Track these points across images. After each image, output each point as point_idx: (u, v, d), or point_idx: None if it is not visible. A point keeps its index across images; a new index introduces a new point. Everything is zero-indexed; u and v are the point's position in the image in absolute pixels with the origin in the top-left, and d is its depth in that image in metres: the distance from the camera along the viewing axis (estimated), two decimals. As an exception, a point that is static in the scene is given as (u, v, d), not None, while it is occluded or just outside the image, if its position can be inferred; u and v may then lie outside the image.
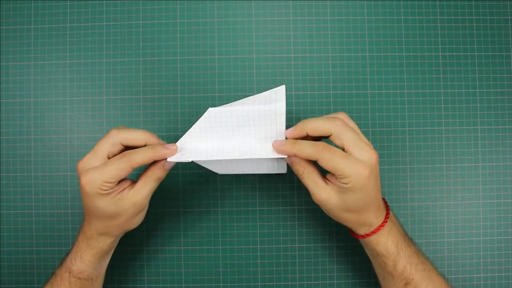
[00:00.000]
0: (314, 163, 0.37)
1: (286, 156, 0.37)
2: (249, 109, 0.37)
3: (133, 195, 0.37)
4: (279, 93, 0.38)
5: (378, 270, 0.41)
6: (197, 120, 0.38)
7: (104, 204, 0.36)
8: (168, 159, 0.37)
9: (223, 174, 0.42)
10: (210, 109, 0.37)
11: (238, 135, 0.38)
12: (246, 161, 0.39)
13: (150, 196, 0.38)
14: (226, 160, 0.38)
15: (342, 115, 0.38)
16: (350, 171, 0.34)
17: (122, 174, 0.35)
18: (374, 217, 0.37)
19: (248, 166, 0.40)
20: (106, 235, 0.38)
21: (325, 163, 0.35)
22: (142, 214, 0.39)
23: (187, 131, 0.39)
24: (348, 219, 0.38)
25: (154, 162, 0.38)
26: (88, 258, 0.38)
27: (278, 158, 0.38)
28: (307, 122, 0.36)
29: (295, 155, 0.36)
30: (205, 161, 0.38)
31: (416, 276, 0.38)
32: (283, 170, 0.40)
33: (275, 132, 0.38)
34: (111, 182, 0.35)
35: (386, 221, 0.38)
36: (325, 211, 0.39)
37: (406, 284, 0.38)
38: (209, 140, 0.38)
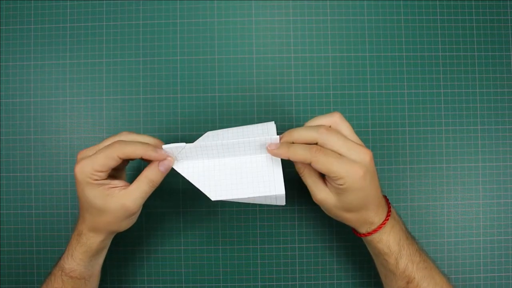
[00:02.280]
0: None
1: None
2: (243, 128, 0.39)
3: (123, 196, 0.36)
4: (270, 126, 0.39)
5: (380, 269, 0.41)
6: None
7: (93, 195, 0.36)
8: (163, 146, 0.37)
9: (216, 200, 0.39)
10: (208, 132, 0.39)
11: (233, 146, 0.38)
12: (242, 180, 0.38)
13: (141, 201, 0.37)
14: (220, 170, 0.38)
15: (336, 115, 0.38)
16: (344, 172, 0.34)
17: (110, 163, 0.35)
18: (375, 215, 0.37)
19: (244, 190, 0.37)
20: (95, 232, 0.38)
21: (319, 166, 0.34)
22: (132, 218, 0.39)
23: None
24: (348, 218, 0.38)
25: (150, 164, 0.37)
26: (78, 256, 0.38)
27: (275, 184, 0.37)
28: (292, 132, 0.37)
29: (289, 158, 0.36)
30: (198, 163, 0.38)
31: (418, 274, 0.38)
32: (281, 201, 0.37)
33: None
34: (100, 171, 0.35)
35: (388, 219, 0.38)
36: (325, 211, 0.39)
37: (408, 282, 0.38)
38: (204, 157, 0.38)
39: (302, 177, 0.38)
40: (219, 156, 0.38)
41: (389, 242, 0.38)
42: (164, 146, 0.37)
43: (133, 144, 0.36)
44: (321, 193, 0.37)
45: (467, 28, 0.50)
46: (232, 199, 0.37)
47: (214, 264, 0.49)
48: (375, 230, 0.38)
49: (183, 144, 0.37)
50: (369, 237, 0.38)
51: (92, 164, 0.35)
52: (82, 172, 0.35)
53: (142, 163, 0.49)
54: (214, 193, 0.37)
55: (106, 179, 0.36)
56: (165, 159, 0.37)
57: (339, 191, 0.36)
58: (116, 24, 0.50)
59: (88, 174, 0.35)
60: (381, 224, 0.37)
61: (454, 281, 0.49)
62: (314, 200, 0.38)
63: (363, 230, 0.38)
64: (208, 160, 0.38)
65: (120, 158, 0.36)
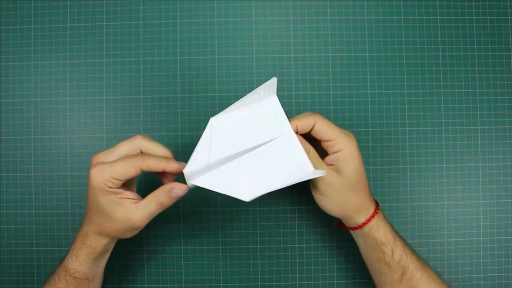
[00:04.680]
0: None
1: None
2: (248, 110, 0.38)
3: (133, 210, 0.36)
4: (271, 86, 0.38)
5: (374, 266, 0.41)
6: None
7: (104, 201, 0.36)
8: (187, 181, 0.36)
9: (251, 200, 0.35)
10: (212, 118, 0.37)
11: (247, 141, 0.37)
12: (269, 172, 0.37)
13: (148, 218, 0.37)
14: (244, 168, 0.37)
15: (317, 116, 0.40)
16: (342, 137, 0.38)
17: (131, 172, 0.36)
18: (369, 200, 0.39)
19: (275, 181, 0.36)
20: (100, 235, 0.38)
21: (323, 126, 0.38)
22: (136, 231, 0.39)
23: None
24: (351, 200, 0.39)
25: (163, 187, 0.37)
26: (82, 257, 0.38)
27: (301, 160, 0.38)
28: (294, 118, 0.39)
29: (296, 127, 0.38)
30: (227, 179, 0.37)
31: (411, 265, 0.39)
32: (311, 174, 0.36)
33: (281, 127, 0.38)
34: (118, 180, 0.35)
35: (379, 206, 0.40)
36: (326, 205, 0.40)
37: (403, 273, 0.39)
38: (220, 153, 0.37)
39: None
40: (237, 154, 0.37)
41: (386, 231, 0.39)
42: (186, 171, 0.36)
43: (156, 157, 0.37)
44: (327, 174, 0.38)
45: (467, 28, 0.50)
46: (267, 192, 0.35)
47: (214, 264, 0.49)
48: (372, 216, 0.39)
49: (205, 159, 0.36)
50: (368, 226, 0.39)
51: (111, 171, 0.35)
52: (98, 176, 0.35)
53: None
54: (247, 194, 0.35)
55: (119, 188, 0.36)
56: (182, 170, 0.37)
57: (338, 161, 0.38)
58: (116, 24, 0.50)
59: (104, 180, 0.35)
60: (376, 210, 0.39)
61: (454, 281, 0.49)
62: (319, 187, 0.39)
63: (362, 217, 0.39)
64: (228, 163, 0.37)
65: (142, 170, 0.36)
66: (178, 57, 0.49)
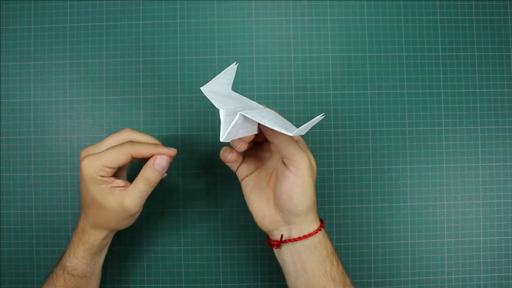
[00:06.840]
0: None
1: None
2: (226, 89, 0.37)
3: (123, 196, 0.36)
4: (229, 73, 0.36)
5: (318, 283, 0.36)
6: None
7: (96, 191, 0.36)
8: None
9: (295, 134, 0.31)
10: (203, 88, 0.34)
11: (246, 102, 0.37)
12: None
13: (139, 201, 0.37)
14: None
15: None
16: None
17: (121, 159, 0.36)
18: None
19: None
20: (97, 228, 0.38)
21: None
22: (132, 218, 0.39)
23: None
24: (315, 196, 0.36)
25: (146, 164, 0.37)
26: (80, 254, 0.38)
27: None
28: None
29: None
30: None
31: (347, 278, 0.37)
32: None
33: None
34: (109, 167, 0.36)
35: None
36: (306, 189, 0.35)
37: (344, 286, 0.36)
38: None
39: (280, 143, 0.34)
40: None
41: (329, 240, 0.37)
42: (222, 111, 0.31)
43: (145, 144, 0.38)
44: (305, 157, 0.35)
45: (467, 28, 0.50)
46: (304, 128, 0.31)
47: (214, 264, 0.49)
48: (323, 222, 0.37)
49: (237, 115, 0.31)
50: (322, 232, 0.36)
51: (101, 159, 0.36)
52: (89, 166, 0.36)
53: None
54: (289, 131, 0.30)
55: (110, 177, 0.37)
56: (175, 153, 0.38)
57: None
58: (116, 24, 0.50)
59: (95, 169, 0.35)
60: (321, 222, 0.37)
61: (454, 281, 0.49)
62: (301, 165, 0.34)
63: (318, 221, 0.37)
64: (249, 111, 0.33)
65: (132, 156, 0.36)
66: (178, 57, 0.49)
